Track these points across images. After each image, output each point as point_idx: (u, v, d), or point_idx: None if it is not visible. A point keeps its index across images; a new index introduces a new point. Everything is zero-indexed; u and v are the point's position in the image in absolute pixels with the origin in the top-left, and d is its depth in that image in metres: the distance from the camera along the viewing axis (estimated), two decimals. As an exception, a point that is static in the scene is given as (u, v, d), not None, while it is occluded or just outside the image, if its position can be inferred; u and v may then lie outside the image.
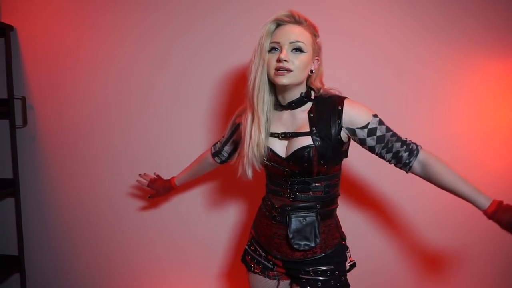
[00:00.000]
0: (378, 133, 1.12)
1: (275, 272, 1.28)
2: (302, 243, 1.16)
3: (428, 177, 1.15)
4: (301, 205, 1.17)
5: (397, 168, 1.18)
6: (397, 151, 1.14)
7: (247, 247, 1.37)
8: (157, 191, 1.67)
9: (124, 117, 1.91)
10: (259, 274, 1.30)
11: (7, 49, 1.88)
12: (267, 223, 1.25)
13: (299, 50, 1.09)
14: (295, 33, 1.09)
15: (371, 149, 1.15)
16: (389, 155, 1.14)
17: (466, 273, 1.73)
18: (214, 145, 1.50)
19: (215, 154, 1.48)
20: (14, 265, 2.01)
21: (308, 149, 1.11)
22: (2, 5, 1.90)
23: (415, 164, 1.14)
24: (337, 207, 1.25)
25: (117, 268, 2.03)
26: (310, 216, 1.17)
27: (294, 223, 1.17)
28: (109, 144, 1.94)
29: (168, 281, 1.98)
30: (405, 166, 1.15)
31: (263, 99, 1.15)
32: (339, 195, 1.25)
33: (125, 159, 1.93)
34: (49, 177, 2.01)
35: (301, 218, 1.17)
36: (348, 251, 1.26)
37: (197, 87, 1.82)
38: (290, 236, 1.16)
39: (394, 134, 1.15)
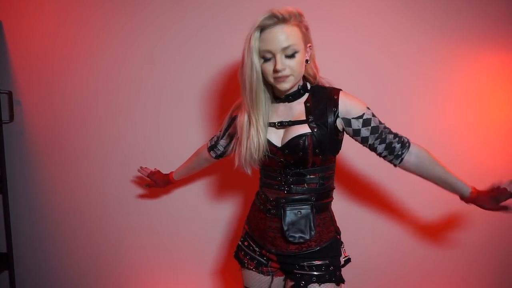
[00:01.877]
0: (373, 124, 1.14)
1: (269, 268, 1.28)
2: (297, 235, 1.16)
3: (419, 169, 1.18)
4: (296, 197, 1.17)
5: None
6: (390, 142, 1.15)
7: (240, 243, 1.35)
8: (155, 182, 1.68)
9: (114, 112, 1.88)
10: (253, 270, 1.30)
11: (-8, 42, 1.84)
12: (261, 217, 1.25)
13: (292, 52, 1.07)
14: (284, 37, 1.05)
15: (364, 140, 1.16)
16: (382, 146, 1.15)
17: (465, 272, 1.73)
18: (211, 139, 1.47)
19: (211, 148, 1.46)
20: (3, 262, 2.00)
21: (304, 137, 1.11)
22: (-14, -2, 1.86)
23: (407, 157, 1.16)
24: (332, 200, 1.26)
25: (107, 265, 2.01)
26: (305, 209, 1.17)
27: (289, 216, 1.17)
28: (99, 140, 1.91)
29: (160, 279, 1.98)
30: (397, 158, 1.16)
31: (262, 104, 1.15)
32: (334, 188, 1.25)
33: (115, 155, 1.91)
34: (38, 174, 1.99)
35: (296, 211, 1.17)
36: (342, 246, 1.26)
37: (188, 83, 1.80)
38: (285, 228, 1.16)
39: (386, 127, 1.17)
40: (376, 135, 1.14)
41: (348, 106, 1.14)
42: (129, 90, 1.85)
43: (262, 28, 1.07)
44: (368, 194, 1.73)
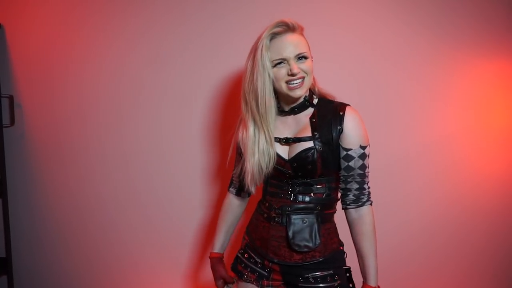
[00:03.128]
0: (365, 162, 1.15)
1: (270, 281, 1.24)
2: (302, 244, 1.14)
3: (354, 227, 1.18)
4: (301, 206, 1.16)
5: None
6: (363, 188, 1.17)
7: (239, 255, 1.32)
8: (224, 275, 1.38)
9: (116, 116, 1.87)
10: (253, 283, 1.26)
11: (-7, 46, 1.86)
12: (264, 226, 1.22)
13: (303, 57, 1.11)
14: (296, 44, 1.10)
15: (347, 169, 1.15)
16: (355, 185, 1.16)
17: (466, 273, 1.73)
18: (230, 186, 1.38)
19: (239, 191, 1.35)
20: (2, 267, 1.99)
21: (313, 150, 1.12)
22: (-12, 2, 1.88)
23: (361, 210, 1.16)
24: (335, 212, 1.24)
25: (108, 269, 2.00)
26: (310, 218, 1.15)
27: (294, 224, 1.15)
28: (100, 143, 1.91)
29: (160, 282, 1.96)
30: (355, 202, 1.17)
31: (272, 114, 1.16)
32: (338, 200, 1.23)
33: (116, 159, 1.90)
34: (38, 177, 1.99)
35: (302, 219, 1.15)
36: (345, 256, 1.25)
37: (190, 85, 1.79)
38: (290, 236, 1.14)
39: (363, 175, 1.16)
40: (360, 172, 1.15)
41: (353, 131, 1.13)
42: (131, 94, 1.84)
43: (271, 37, 1.11)
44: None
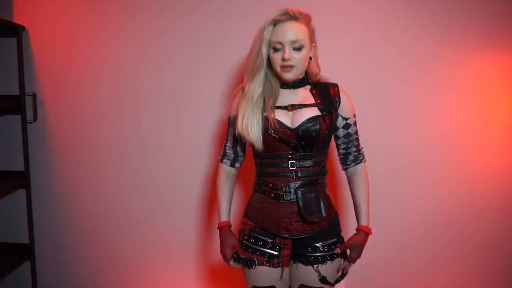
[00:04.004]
0: (350, 131, 1.30)
1: (279, 259, 1.26)
2: (314, 215, 1.22)
3: (351, 181, 1.35)
4: (305, 181, 1.24)
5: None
6: (359, 149, 1.34)
7: (245, 241, 1.30)
8: (236, 244, 1.34)
9: (133, 112, 1.95)
10: (265, 265, 1.26)
11: (18, 48, 1.94)
12: (272, 206, 1.25)
13: (299, 46, 1.18)
14: (294, 31, 1.17)
15: (347, 136, 1.31)
16: (353, 148, 1.33)
17: (469, 274, 1.72)
18: (223, 156, 1.39)
19: (234, 161, 1.39)
20: (25, 253, 2.07)
21: (318, 118, 1.21)
22: (14, 7, 1.97)
23: (355, 168, 1.34)
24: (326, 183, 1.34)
25: (125, 258, 2.06)
26: (315, 191, 1.24)
27: (304, 198, 1.22)
28: (118, 138, 1.98)
29: (175, 282, 2.01)
30: (354, 161, 1.33)
31: (259, 76, 1.25)
32: (328, 172, 1.33)
33: (134, 152, 1.97)
34: (59, 170, 2.06)
35: (309, 193, 1.23)
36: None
37: (193, 82, 1.85)
38: (303, 210, 1.21)
39: (358, 139, 1.33)
40: (356, 136, 1.32)
41: (347, 102, 1.28)
42: (150, 90, 1.91)
43: (275, 23, 1.19)
44: (372, 198, 1.70)
